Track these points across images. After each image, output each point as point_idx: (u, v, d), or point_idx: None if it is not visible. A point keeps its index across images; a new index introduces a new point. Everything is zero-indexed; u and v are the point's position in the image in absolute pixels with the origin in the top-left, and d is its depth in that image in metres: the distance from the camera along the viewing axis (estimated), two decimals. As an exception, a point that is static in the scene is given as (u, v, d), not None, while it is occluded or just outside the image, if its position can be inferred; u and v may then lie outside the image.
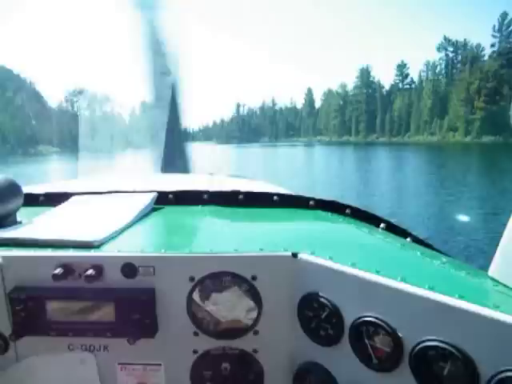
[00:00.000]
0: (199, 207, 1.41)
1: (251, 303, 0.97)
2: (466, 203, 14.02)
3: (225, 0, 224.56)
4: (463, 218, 11.24)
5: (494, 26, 78.65)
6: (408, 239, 1.14)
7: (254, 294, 0.96)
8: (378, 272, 0.83)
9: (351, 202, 1.36)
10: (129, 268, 0.96)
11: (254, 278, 0.96)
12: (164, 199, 1.43)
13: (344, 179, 21.43)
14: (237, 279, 0.96)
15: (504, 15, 78.02)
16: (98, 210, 1.30)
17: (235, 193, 1.41)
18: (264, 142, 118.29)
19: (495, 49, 78.90)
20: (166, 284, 0.97)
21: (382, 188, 18.35)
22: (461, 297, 0.72)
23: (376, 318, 0.82)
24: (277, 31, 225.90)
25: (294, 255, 0.95)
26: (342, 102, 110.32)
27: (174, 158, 3.88)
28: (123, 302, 0.95)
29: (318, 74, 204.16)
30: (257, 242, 1.02)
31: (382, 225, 1.21)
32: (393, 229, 1.20)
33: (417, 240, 1.14)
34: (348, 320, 0.87)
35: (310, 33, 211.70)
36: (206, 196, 1.43)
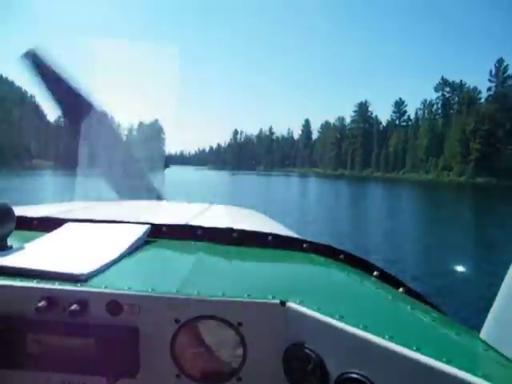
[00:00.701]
0: (192, 243, 1.40)
1: (236, 349, 0.95)
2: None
3: (226, 30, 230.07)
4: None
5: (491, 71, 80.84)
6: (400, 289, 1.12)
7: (240, 341, 0.95)
8: (365, 327, 0.82)
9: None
10: (114, 305, 0.94)
11: (240, 324, 0.94)
12: (157, 232, 1.42)
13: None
14: (222, 324, 0.94)
15: (500, 61, 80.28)
16: (90, 240, 1.29)
17: (229, 230, 1.42)
18: (259, 171, 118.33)
19: (491, 93, 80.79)
20: (151, 324, 0.95)
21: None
22: (448, 361, 0.71)
23: (361, 376, 0.80)
24: (278, 61, 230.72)
25: (282, 303, 0.93)
26: (338, 135, 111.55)
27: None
28: (106, 340, 0.93)
29: (316, 105, 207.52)
30: (246, 286, 1.02)
31: (375, 273, 1.20)
32: (386, 278, 1.18)
33: (409, 291, 1.12)
34: (333, 374, 0.85)
35: (311, 65, 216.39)
36: (199, 231, 1.43)
